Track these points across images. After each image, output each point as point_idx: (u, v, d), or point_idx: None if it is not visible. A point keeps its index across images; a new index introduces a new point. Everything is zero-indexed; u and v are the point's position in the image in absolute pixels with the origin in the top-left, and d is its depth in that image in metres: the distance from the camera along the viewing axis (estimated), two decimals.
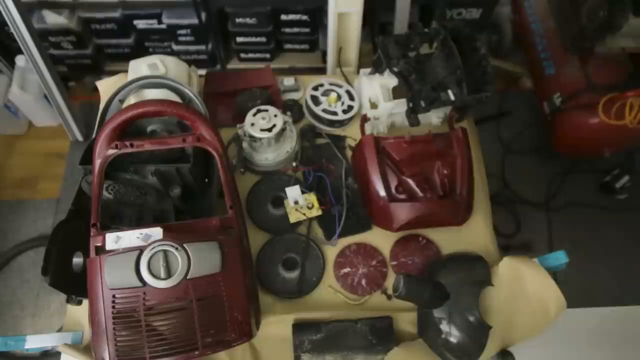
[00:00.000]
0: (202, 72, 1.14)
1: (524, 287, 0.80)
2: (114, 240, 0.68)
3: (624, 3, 1.30)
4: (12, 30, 1.35)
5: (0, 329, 1.41)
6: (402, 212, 0.88)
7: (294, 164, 0.99)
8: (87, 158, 0.81)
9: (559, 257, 0.81)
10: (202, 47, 1.75)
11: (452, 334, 0.78)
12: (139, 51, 1.75)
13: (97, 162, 0.75)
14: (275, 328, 0.81)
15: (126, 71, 1.02)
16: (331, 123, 1.05)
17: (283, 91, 1.11)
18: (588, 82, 1.44)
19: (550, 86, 1.56)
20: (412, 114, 0.95)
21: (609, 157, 1.52)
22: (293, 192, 0.93)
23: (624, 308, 0.88)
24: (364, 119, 0.99)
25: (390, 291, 0.87)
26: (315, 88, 1.08)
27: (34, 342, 0.75)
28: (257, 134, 0.92)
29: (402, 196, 0.89)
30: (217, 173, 0.81)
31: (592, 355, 0.84)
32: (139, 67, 0.98)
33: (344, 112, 1.05)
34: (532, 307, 0.79)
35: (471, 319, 0.78)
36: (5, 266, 1.49)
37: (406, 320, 0.84)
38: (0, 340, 0.75)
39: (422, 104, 0.93)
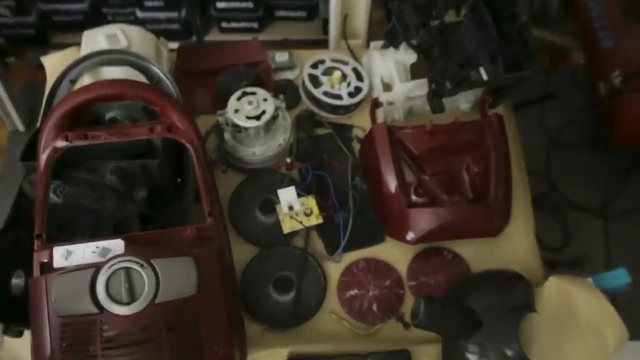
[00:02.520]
0: (174, 45, 1.14)
1: (575, 314, 0.80)
2: (63, 255, 0.69)
3: None
4: None
5: None
6: (423, 219, 0.88)
7: (288, 159, 0.99)
8: (29, 152, 0.81)
9: (619, 277, 0.82)
10: (174, 15, 1.75)
11: None
12: (95, 19, 1.75)
13: (43, 158, 0.75)
14: None
15: (79, 44, 1.02)
16: (334, 109, 1.05)
17: (275, 69, 1.12)
18: None
19: (607, 62, 1.56)
20: (435, 97, 0.95)
21: None
22: (287, 195, 0.93)
23: None
24: (375, 104, 1.00)
25: (407, 318, 0.87)
26: (315, 66, 1.08)
27: None
28: (243, 122, 0.92)
29: (423, 200, 0.90)
30: (193, 171, 0.81)
31: None
32: (94, 39, 0.99)
33: (350, 95, 1.05)
34: (585, 338, 0.79)
35: (509, 353, 0.78)
36: None
37: (428, 354, 0.84)
38: None
39: (448, 84, 0.93)
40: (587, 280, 0.82)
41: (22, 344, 0.79)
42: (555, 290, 0.82)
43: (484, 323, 0.79)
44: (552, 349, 0.81)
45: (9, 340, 0.81)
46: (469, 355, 0.79)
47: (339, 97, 1.04)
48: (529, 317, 0.81)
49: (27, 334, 0.72)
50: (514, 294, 0.83)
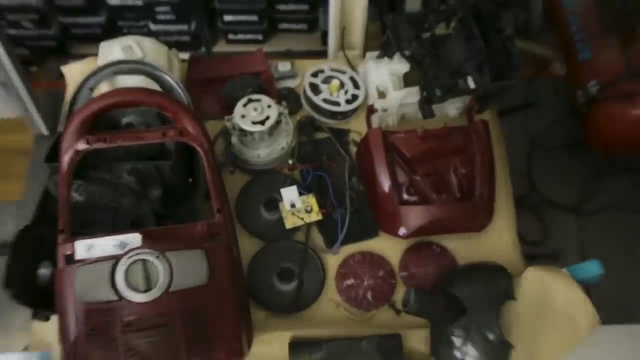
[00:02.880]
0: (185, 56, 1.15)
1: (551, 302, 0.81)
2: (85, 248, 0.69)
3: None
4: None
5: None
6: (414, 216, 0.89)
7: (291, 161, 1.00)
8: (53, 155, 0.82)
9: (592, 268, 0.82)
10: (184, 27, 1.75)
11: (469, 353, 0.79)
12: (111, 31, 1.75)
13: (65, 160, 0.75)
14: (270, 347, 0.82)
15: (96, 55, 1.03)
16: (333, 115, 1.06)
17: (278, 78, 1.12)
18: (630, 67, 1.44)
19: (585, 72, 1.56)
20: (426, 104, 0.96)
21: None
22: (289, 194, 0.94)
23: None
24: (371, 110, 0.99)
25: (399, 306, 0.88)
26: (315, 74, 1.08)
27: None
28: (248, 127, 0.93)
29: (414, 198, 0.91)
30: (203, 172, 0.82)
31: None
32: (111, 50, 0.99)
33: (348, 102, 1.05)
34: (560, 323, 0.80)
35: (491, 337, 0.79)
36: None
37: (417, 338, 0.85)
38: None
39: (438, 92, 0.93)
40: (563, 271, 0.82)
41: (49, 328, 0.80)
42: (534, 280, 0.83)
43: (468, 310, 0.80)
44: (529, 333, 0.82)
45: (37, 325, 0.82)
46: (454, 339, 0.80)
47: (337, 104, 1.05)
48: (509, 304, 0.83)
49: (54, 319, 0.73)
50: (495, 284, 0.84)
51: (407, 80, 1.02)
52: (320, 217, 0.94)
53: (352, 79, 1.09)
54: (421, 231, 0.89)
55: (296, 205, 0.93)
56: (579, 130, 1.61)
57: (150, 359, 0.65)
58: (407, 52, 0.97)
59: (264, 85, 1.06)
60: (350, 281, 0.91)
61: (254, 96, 0.96)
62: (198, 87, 1.08)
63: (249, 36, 1.80)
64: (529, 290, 0.83)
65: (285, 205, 0.93)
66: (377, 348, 0.81)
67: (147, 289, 0.65)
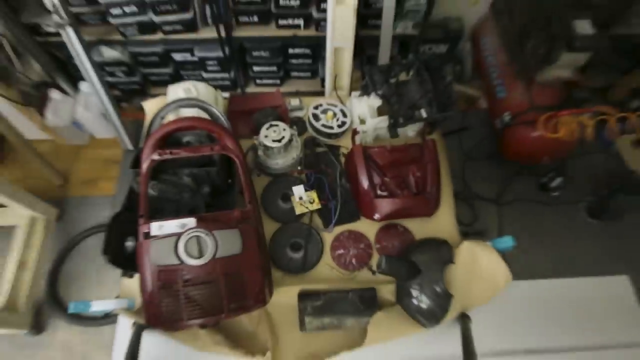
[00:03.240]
0: (226, 94, 1.14)
1: (478, 264, 0.81)
2: (157, 227, 0.69)
3: (559, 41, 1.31)
4: (77, 62, 1.36)
5: (71, 296, 1.42)
6: (384, 206, 0.89)
7: (299, 167, 1.00)
8: (136, 163, 0.82)
9: (507, 241, 0.82)
10: (226, 75, 1.75)
11: (423, 301, 0.79)
12: (176, 78, 1.75)
13: (144, 166, 0.75)
14: (284, 297, 0.82)
15: (165, 94, 1.02)
16: (328, 135, 1.05)
17: (290, 110, 1.11)
18: (531, 103, 1.44)
19: (501, 107, 1.56)
20: (393, 128, 0.96)
21: (546, 162, 1.52)
22: (298, 190, 0.94)
23: (556, 280, 0.89)
24: (355, 132, 0.99)
25: (374, 268, 0.87)
26: (316, 107, 1.08)
27: (97, 306, 0.76)
28: (270, 144, 0.93)
29: (385, 193, 0.90)
30: (238, 175, 0.81)
31: (530, 315, 0.84)
32: (176, 91, 0.99)
33: (339, 126, 1.05)
34: (485, 279, 0.80)
35: (438, 289, 0.79)
36: (74, 248, 1.50)
37: (387, 290, 0.85)
38: (71, 305, 0.76)
39: (401, 120, 0.93)
40: (487, 244, 0.82)
41: (133, 283, 0.80)
42: (467, 250, 0.83)
43: (422, 271, 0.80)
44: (464, 286, 0.81)
45: (125, 281, 0.82)
46: (413, 291, 0.80)
47: (331, 127, 1.04)
48: (450, 267, 0.82)
49: (136, 276, 0.73)
50: (441, 253, 0.83)
51: (380, 111, 1.02)
52: (319, 206, 0.93)
53: (342, 111, 1.08)
54: (390, 216, 0.89)
55: (303, 198, 0.93)
56: (497, 146, 1.62)
57: (202, 305, 0.65)
58: (379, 92, 0.97)
59: (281, 115, 1.05)
60: (340, 251, 0.91)
61: (274, 122, 0.96)
62: (235, 116, 1.07)
63: (270, 81, 1.81)
64: (463, 257, 0.83)
65: (295, 198, 0.93)
66: (359, 297, 0.81)
67: (200, 256, 0.65)
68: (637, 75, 1.60)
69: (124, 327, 0.80)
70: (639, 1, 1.40)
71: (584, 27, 1.28)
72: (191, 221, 0.69)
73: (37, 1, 1.32)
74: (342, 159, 1.03)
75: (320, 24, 1.52)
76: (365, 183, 0.90)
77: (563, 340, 0.82)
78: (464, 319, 0.79)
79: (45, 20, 1.23)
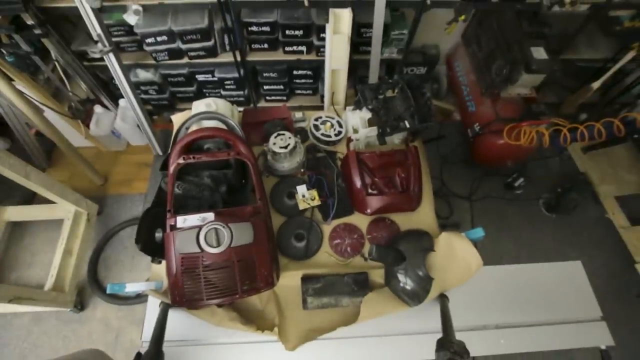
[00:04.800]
0: (241, 109, 1.13)
1: (454, 252, 0.80)
2: (182, 221, 0.68)
3: (518, 65, 1.31)
4: (117, 82, 1.36)
5: (108, 278, 1.41)
6: (375, 202, 0.88)
7: (302, 170, 0.98)
8: (164, 166, 0.81)
9: (478, 232, 0.81)
10: (241, 92, 1.73)
11: (408, 283, 0.78)
12: (199, 95, 1.74)
13: (171, 169, 0.75)
14: (290, 280, 0.81)
15: (190, 108, 1.01)
16: (327, 143, 1.04)
17: (295, 121, 1.10)
18: (497, 116, 1.44)
19: (472, 119, 1.56)
20: (381, 136, 0.95)
21: (510, 165, 1.52)
22: (301, 189, 0.93)
23: (520, 265, 0.88)
24: (349, 140, 0.99)
25: (366, 255, 0.86)
26: (316, 119, 1.07)
27: (131, 288, 0.75)
28: (277, 150, 0.92)
29: (375, 192, 0.89)
30: (250, 176, 0.80)
31: (498, 296, 0.83)
32: (199, 106, 0.97)
33: (336, 135, 1.04)
34: (460, 265, 0.79)
35: (420, 273, 0.77)
36: (112, 238, 1.49)
37: (377, 274, 0.84)
38: (109, 286, 0.75)
39: (388, 130, 0.92)
40: (461, 234, 0.81)
41: (161, 268, 0.79)
42: (444, 240, 0.82)
43: (407, 257, 0.79)
44: (442, 270, 0.80)
45: (154, 266, 0.81)
46: (399, 275, 0.79)
47: (329, 136, 1.03)
48: (431, 254, 0.81)
49: (164, 262, 0.72)
50: (422, 242, 0.82)
51: (370, 123, 1.01)
52: (319, 203, 0.92)
53: (338, 122, 1.07)
54: (379, 211, 0.88)
55: (305, 196, 0.92)
56: (469, 152, 1.61)
57: (219, 287, 0.64)
58: (370, 106, 0.96)
59: (287, 125, 1.04)
60: (337, 241, 0.90)
61: (281, 132, 0.95)
62: (248, 126, 1.07)
63: (278, 97, 1.79)
64: (441, 245, 0.82)
65: (299, 195, 0.92)
66: (353, 280, 0.80)
67: (218, 245, 0.64)
68: (583, 93, 1.59)
69: (153, 305, 0.79)
70: (584, 32, 1.40)
71: (539, 52, 1.28)
72: (210, 215, 0.68)
73: (84, 32, 1.32)
74: (339, 163, 1.02)
75: (320, 50, 1.51)
76: (358, 183, 0.89)
77: (526, 317, 0.81)
78: (442, 299, 0.78)
79: (92, 48, 1.23)
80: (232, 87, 1.71)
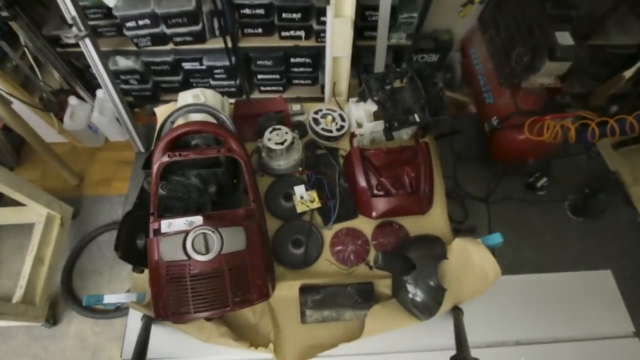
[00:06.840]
0: (232, 100, 1.13)
1: (470, 260, 0.80)
2: (167, 225, 0.68)
3: (541, 51, 1.31)
4: (94, 71, 1.36)
5: (84, 290, 1.41)
6: (381, 204, 0.88)
7: (300, 168, 0.99)
8: (147, 164, 0.81)
9: (496, 238, 0.81)
10: (232, 82, 1.74)
11: (418, 294, 0.78)
12: (186, 85, 1.75)
13: (155, 168, 0.74)
14: (286, 290, 0.81)
15: (176, 100, 1.01)
16: (328, 138, 1.04)
17: (292, 115, 1.11)
18: (517, 108, 1.44)
19: (489, 112, 1.56)
20: (388, 131, 0.95)
21: (532, 163, 1.52)
22: (299, 190, 0.93)
23: (542, 275, 0.89)
24: (352, 135, 0.99)
25: (371, 263, 0.87)
26: (316, 112, 1.07)
27: (109, 299, 0.75)
28: (273, 146, 0.92)
29: (381, 193, 0.89)
30: (243, 175, 0.80)
31: (518, 309, 0.83)
32: (185, 97, 0.98)
33: (337, 130, 1.04)
34: (475, 274, 0.79)
35: (431, 283, 0.78)
36: (88, 244, 1.50)
37: (383, 285, 0.84)
38: (85, 297, 0.75)
39: (395, 124, 0.92)
40: (477, 240, 0.81)
41: (143, 278, 0.79)
42: (458, 246, 0.82)
43: (417, 266, 0.79)
44: (456, 281, 0.80)
45: (136, 275, 0.81)
46: (408, 285, 0.79)
47: (330, 131, 1.03)
48: (443, 262, 0.81)
49: (146, 271, 0.72)
50: (434, 249, 0.82)
51: (376, 116, 1.01)
52: (319, 205, 0.92)
53: (340, 115, 1.07)
54: (386, 214, 0.88)
55: (304, 197, 0.92)
56: (486, 148, 1.61)
57: (208, 298, 0.64)
58: (375, 98, 0.96)
59: (283, 119, 1.04)
60: (339, 247, 0.90)
61: (277, 126, 0.96)
62: (241, 120, 1.07)
63: (273, 88, 1.80)
64: (455, 253, 0.82)
65: (297, 197, 0.92)
66: (356, 291, 0.80)
67: (206, 252, 0.64)
68: (614, 82, 1.59)
69: (134, 319, 0.79)
70: (615, 14, 1.40)
71: (564, 38, 1.28)
72: (198, 219, 0.68)
73: (58, 15, 1.32)
74: (341, 161, 1.03)
75: (320, 35, 1.52)
76: (362, 183, 0.89)
77: (550, 332, 0.81)
78: (456, 312, 0.78)
79: (65, 33, 1.23)
80: (222, 76, 1.72)
